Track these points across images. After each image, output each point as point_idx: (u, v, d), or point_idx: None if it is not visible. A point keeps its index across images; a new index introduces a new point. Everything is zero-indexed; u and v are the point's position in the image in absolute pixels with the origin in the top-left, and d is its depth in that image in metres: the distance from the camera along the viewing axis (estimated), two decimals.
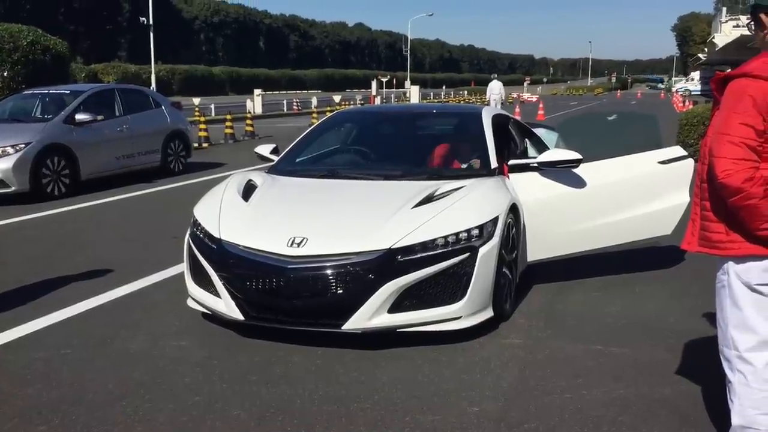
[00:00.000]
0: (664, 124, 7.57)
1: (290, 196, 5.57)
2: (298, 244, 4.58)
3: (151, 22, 36.71)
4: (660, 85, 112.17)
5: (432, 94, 62.13)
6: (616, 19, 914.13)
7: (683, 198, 6.00)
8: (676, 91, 64.91)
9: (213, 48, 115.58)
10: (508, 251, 5.13)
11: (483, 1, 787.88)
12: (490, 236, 4.80)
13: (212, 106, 32.96)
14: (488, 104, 29.23)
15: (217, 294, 4.79)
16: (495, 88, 29.46)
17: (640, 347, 4.67)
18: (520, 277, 5.64)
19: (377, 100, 41.96)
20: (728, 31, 46.63)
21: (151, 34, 37.09)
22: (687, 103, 34.56)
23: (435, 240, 4.61)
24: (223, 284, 4.71)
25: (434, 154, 6.29)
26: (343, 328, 4.49)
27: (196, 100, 29.81)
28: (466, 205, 4.99)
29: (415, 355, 4.53)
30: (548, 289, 5.93)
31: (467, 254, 4.65)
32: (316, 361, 4.46)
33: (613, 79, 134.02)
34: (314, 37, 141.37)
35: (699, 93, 60.72)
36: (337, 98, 40.05)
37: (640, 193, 6.04)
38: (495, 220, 4.89)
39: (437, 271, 4.55)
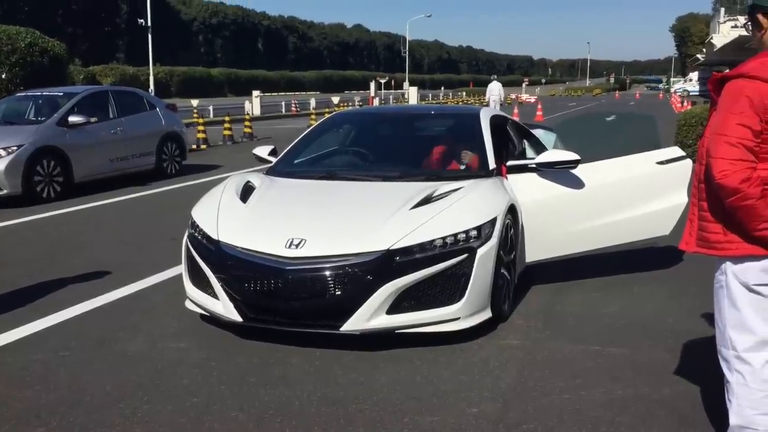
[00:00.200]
0: (662, 125, 7.58)
1: (288, 197, 5.57)
2: (297, 246, 4.58)
3: (149, 23, 36.65)
4: (660, 86, 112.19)
5: (431, 95, 62.18)
6: (615, 20, 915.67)
7: (681, 198, 6.01)
8: (675, 92, 64.94)
9: (211, 49, 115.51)
10: (506, 252, 5.13)
11: (481, 2, 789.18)
12: (489, 237, 4.80)
13: (211, 108, 32.95)
14: (487, 105, 29.27)
15: (215, 296, 4.78)
16: (494, 89, 29.53)
17: (638, 348, 4.67)
18: (519, 278, 5.64)
19: (376, 102, 41.96)
20: (726, 31, 46.66)
21: (150, 36, 37.05)
22: (685, 103, 34.59)
23: (433, 241, 4.61)
24: (221, 286, 4.71)
25: (432, 155, 6.29)
26: (341, 329, 4.49)
27: (195, 102, 29.85)
28: (465, 206, 4.99)
29: (413, 356, 4.53)
30: (547, 289, 5.93)
31: (465, 255, 4.65)
32: (315, 362, 4.46)
33: (612, 80, 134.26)
34: (313, 38, 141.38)
35: (697, 93, 60.80)
36: (335, 99, 40.06)
37: (639, 193, 6.04)
38: (493, 221, 4.89)
39: (436, 272, 4.55)
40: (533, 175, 5.82)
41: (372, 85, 47.16)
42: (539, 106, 36.48)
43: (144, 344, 4.81)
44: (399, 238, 4.59)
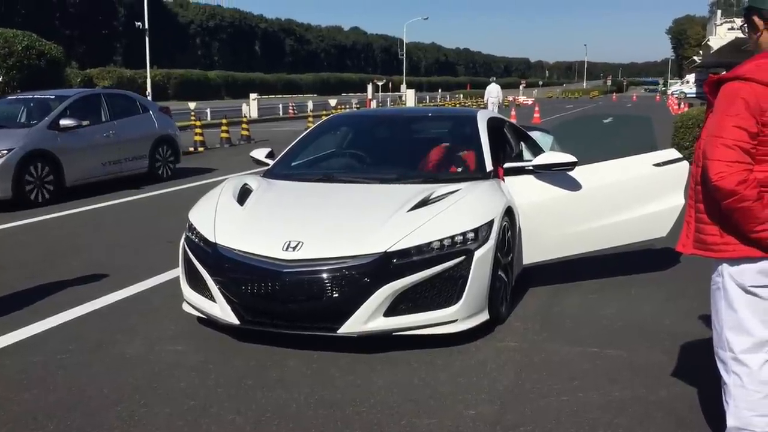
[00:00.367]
0: (659, 127, 7.59)
1: (286, 200, 5.57)
2: (294, 248, 4.58)
3: (146, 26, 36.65)
4: (657, 88, 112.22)
5: (428, 97, 62.15)
6: (612, 23, 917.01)
7: (678, 200, 6.01)
8: (672, 94, 65.00)
9: (209, 52, 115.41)
10: (503, 254, 5.14)
11: (479, 4, 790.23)
12: (486, 239, 4.80)
13: (208, 111, 32.94)
14: (485, 107, 29.34)
15: (212, 298, 4.78)
16: (493, 91, 29.63)
17: (636, 349, 4.67)
18: (516, 280, 5.64)
19: (373, 104, 41.98)
20: (723, 33, 46.79)
21: (147, 39, 37.03)
22: (682, 105, 34.63)
23: (431, 243, 4.61)
24: (219, 288, 4.71)
25: (430, 157, 6.30)
26: (338, 331, 4.49)
27: (192, 105, 29.84)
28: (462, 208, 4.99)
29: (411, 359, 4.53)
30: (544, 291, 5.94)
31: (463, 257, 4.65)
32: (312, 365, 4.46)
33: (609, 82, 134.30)
34: (310, 41, 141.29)
35: (694, 95, 60.85)
36: (333, 102, 40.07)
37: (636, 195, 6.05)
38: (490, 224, 4.90)
39: (433, 274, 4.56)
40: (530, 177, 5.83)
41: (369, 87, 47.21)
42: (536, 108, 36.52)
43: (141, 347, 4.81)
44: (396, 240, 4.59)
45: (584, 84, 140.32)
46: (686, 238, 3.05)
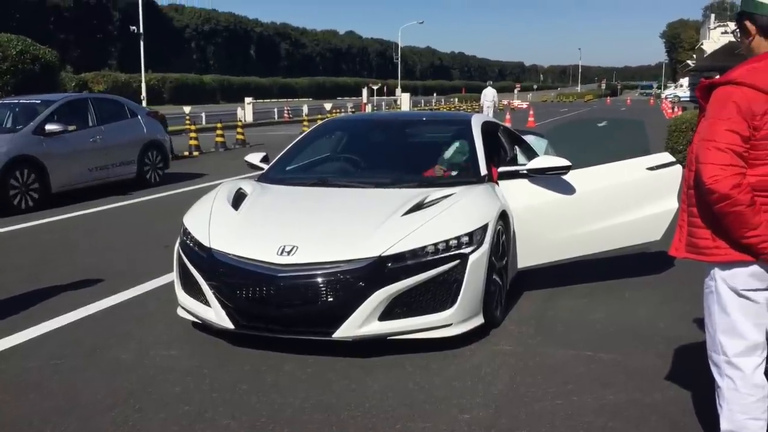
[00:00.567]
0: (653, 131, 7.61)
1: (280, 204, 5.57)
2: (288, 253, 4.58)
3: (141, 30, 36.63)
4: (651, 92, 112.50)
5: (423, 101, 62.22)
6: (606, 27, 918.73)
7: (672, 204, 6.03)
8: (665, 97, 65.19)
9: (204, 56, 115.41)
10: (498, 258, 5.15)
11: (473, 8, 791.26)
12: (480, 243, 4.81)
13: (203, 115, 32.94)
14: (481, 110, 29.41)
15: (207, 303, 4.78)
16: (488, 95, 29.74)
17: (630, 353, 4.68)
18: (511, 284, 5.65)
19: (368, 108, 42.01)
20: (716, 37, 46.97)
21: (142, 43, 36.99)
22: (676, 109, 34.73)
23: (425, 247, 4.62)
24: (213, 293, 4.70)
25: (424, 161, 6.30)
26: (333, 336, 4.49)
27: (187, 109, 29.76)
28: (456, 212, 5.00)
29: (405, 363, 4.53)
30: (539, 295, 5.95)
31: (457, 261, 4.66)
32: (307, 369, 4.45)
33: (603, 86, 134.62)
34: (305, 45, 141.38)
35: (688, 99, 61.10)
36: (328, 106, 40.06)
37: (630, 199, 6.07)
38: (485, 227, 4.90)
39: (427, 278, 4.56)
40: (524, 181, 5.84)
41: (364, 91, 47.25)
42: (531, 112, 36.58)
43: (136, 352, 4.80)
44: (391, 244, 4.59)
45: (579, 88, 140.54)
46: (679, 242, 3.06)
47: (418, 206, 5.09)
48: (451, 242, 4.69)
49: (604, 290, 6.11)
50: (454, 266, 4.64)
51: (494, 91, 30.28)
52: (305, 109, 37.97)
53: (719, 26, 48.03)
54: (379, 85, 56.37)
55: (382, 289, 4.45)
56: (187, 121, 24.83)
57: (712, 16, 52.99)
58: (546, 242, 5.87)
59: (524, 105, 58.70)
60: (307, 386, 4.20)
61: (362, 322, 4.46)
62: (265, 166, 6.37)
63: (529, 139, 7.61)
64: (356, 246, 4.61)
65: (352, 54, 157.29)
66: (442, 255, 4.63)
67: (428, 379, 4.29)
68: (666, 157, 6.30)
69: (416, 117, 9.46)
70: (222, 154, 19.96)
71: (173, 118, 24.97)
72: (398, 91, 56.27)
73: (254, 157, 6.48)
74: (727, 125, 2.73)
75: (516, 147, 6.83)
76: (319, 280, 4.47)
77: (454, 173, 6.03)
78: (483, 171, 5.82)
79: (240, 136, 22.17)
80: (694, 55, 68.16)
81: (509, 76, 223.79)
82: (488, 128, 6.57)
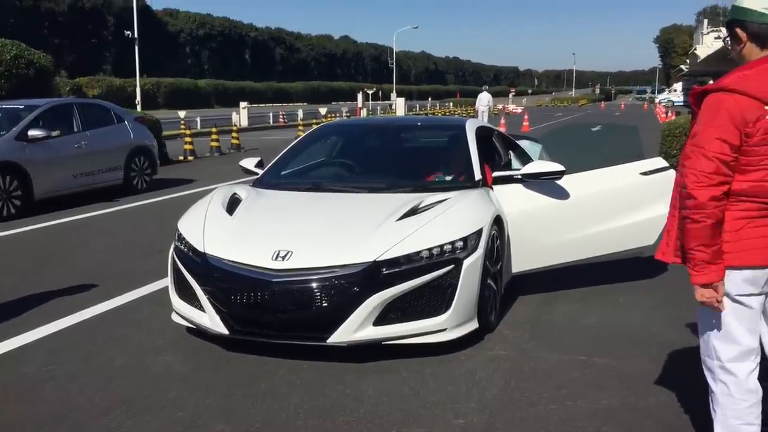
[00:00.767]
0: (647, 135, 7.63)
1: (275, 209, 5.57)
2: (283, 258, 4.58)
3: (136, 35, 36.64)
4: (645, 96, 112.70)
5: (418, 105, 62.28)
6: (600, 32, 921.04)
7: (665, 208, 6.02)
8: (659, 102, 65.35)
9: (198, 61, 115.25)
10: (492, 263, 5.16)
11: (468, 13, 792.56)
12: (475, 248, 4.82)
13: (198, 119, 32.90)
14: (475, 115, 29.48)
15: (201, 308, 4.78)
16: (483, 99, 29.88)
17: (623, 358, 4.69)
18: (505, 289, 5.66)
19: (363, 113, 42.03)
20: (710, 42, 47.20)
21: (136, 48, 36.99)
22: (670, 113, 34.84)
23: (419, 252, 4.63)
24: (208, 298, 4.70)
25: (419, 166, 6.31)
26: (328, 341, 4.49)
27: (182, 113, 29.78)
28: (451, 217, 5.01)
29: (400, 368, 4.53)
30: (533, 300, 5.96)
31: (452, 266, 4.66)
32: (302, 374, 4.45)
33: (597, 91, 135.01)
34: (300, 49, 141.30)
35: (681, 104, 61.24)
36: (323, 111, 40.09)
37: (623, 203, 6.09)
38: (479, 232, 4.91)
39: (422, 283, 4.57)
40: (519, 186, 5.86)
41: (359, 96, 47.28)
42: (526, 117, 36.62)
43: (131, 357, 4.79)
44: (385, 249, 4.60)
45: (573, 92, 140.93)
46: (666, 246, 3.06)
47: (413, 211, 5.10)
48: (445, 247, 4.70)
49: (598, 295, 6.13)
50: (448, 271, 4.65)
51: (489, 95, 30.44)
52: (300, 113, 37.95)
53: (712, 31, 48.27)
54: (374, 89, 56.41)
55: (377, 294, 4.46)
56: (182, 126, 24.77)
57: (705, 21, 53.26)
58: (540, 247, 5.88)
59: (519, 109, 58.76)
60: (301, 392, 4.20)
61: (357, 327, 4.46)
62: (260, 171, 6.37)
63: (524, 143, 7.63)
64: (351, 251, 4.62)
65: (347, 59, 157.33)
66: (437, 260, 4.64)
67: (423, 384, 4.29)
68: (659, 161, 6.32)
69: (411, 122, 9.49)
70: (217, 158, 19.95)
71: (168, 123, 24.98)
72: (393, 95, 56.23)
73: (249, 162, 6.48)
74: (717, 133, 2.74)
75: (510, 152, 6.85)
76: (314, 285, 4.47)
77: (448, 178, 6.04)
78: (477, 176, 5.83)
79: (235, 141, 22.17)
80: (688, 60, 68.45)
81: (504, 80, 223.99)
82: (483, 133, 6.59)
